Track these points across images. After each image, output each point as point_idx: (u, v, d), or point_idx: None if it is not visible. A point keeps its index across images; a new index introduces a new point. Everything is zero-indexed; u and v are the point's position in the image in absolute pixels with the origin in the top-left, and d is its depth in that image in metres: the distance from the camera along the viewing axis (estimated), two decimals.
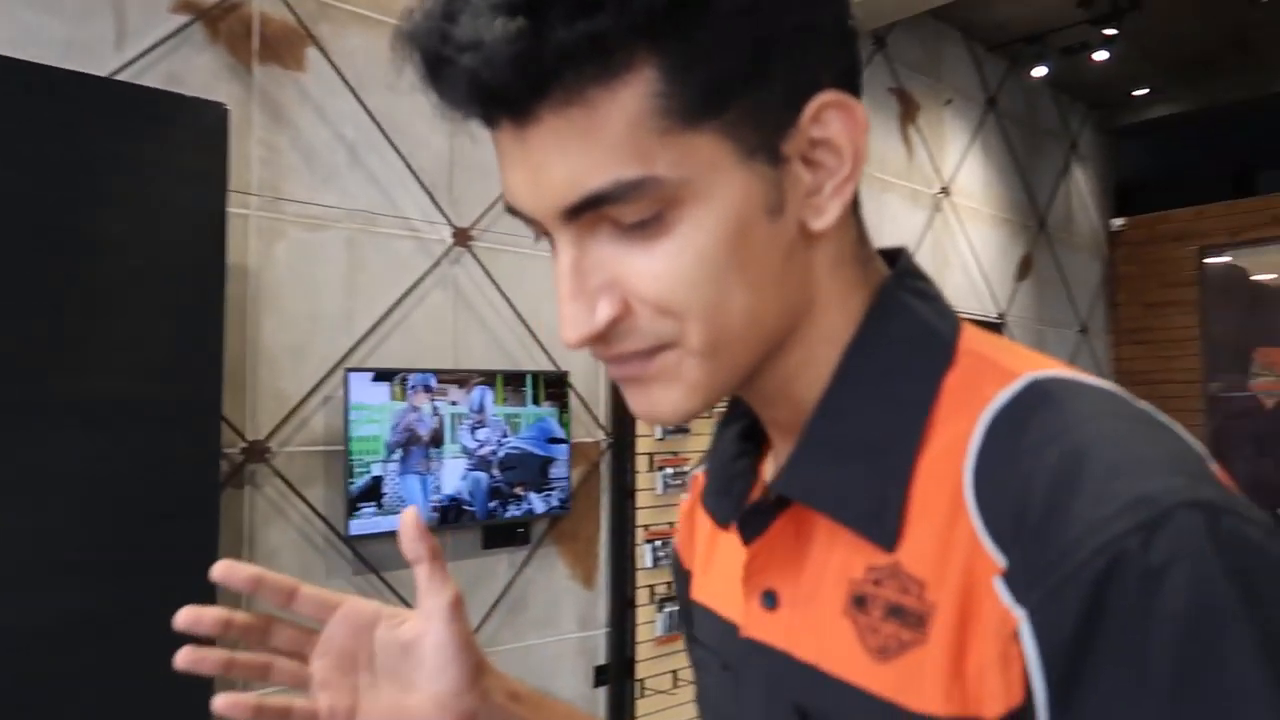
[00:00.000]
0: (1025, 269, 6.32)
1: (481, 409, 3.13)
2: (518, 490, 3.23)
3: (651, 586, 3.65)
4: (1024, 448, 0.44)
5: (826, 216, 0.49)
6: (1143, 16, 5.49)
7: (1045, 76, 6.02)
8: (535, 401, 3.29)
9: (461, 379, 3.07)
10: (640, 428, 3.66)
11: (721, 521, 0.58)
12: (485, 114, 0.46)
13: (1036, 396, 0.46)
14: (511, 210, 0.49)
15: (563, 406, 3.33)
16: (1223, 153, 8.21)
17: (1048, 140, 6.77)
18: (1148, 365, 7.14)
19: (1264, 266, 7.60)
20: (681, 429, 3.78)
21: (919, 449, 0.48)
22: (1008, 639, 0.41)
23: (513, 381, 3.22)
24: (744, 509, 0.55)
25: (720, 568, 0.63)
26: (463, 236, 3.22)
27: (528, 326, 3.38)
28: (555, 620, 3.44)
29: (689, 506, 0.71)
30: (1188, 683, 0.36)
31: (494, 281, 3.30)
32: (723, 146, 0.45)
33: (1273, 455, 6.95)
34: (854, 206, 0.52)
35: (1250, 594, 0.37)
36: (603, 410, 3.62)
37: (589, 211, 0.45)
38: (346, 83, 2.94)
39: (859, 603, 0.49)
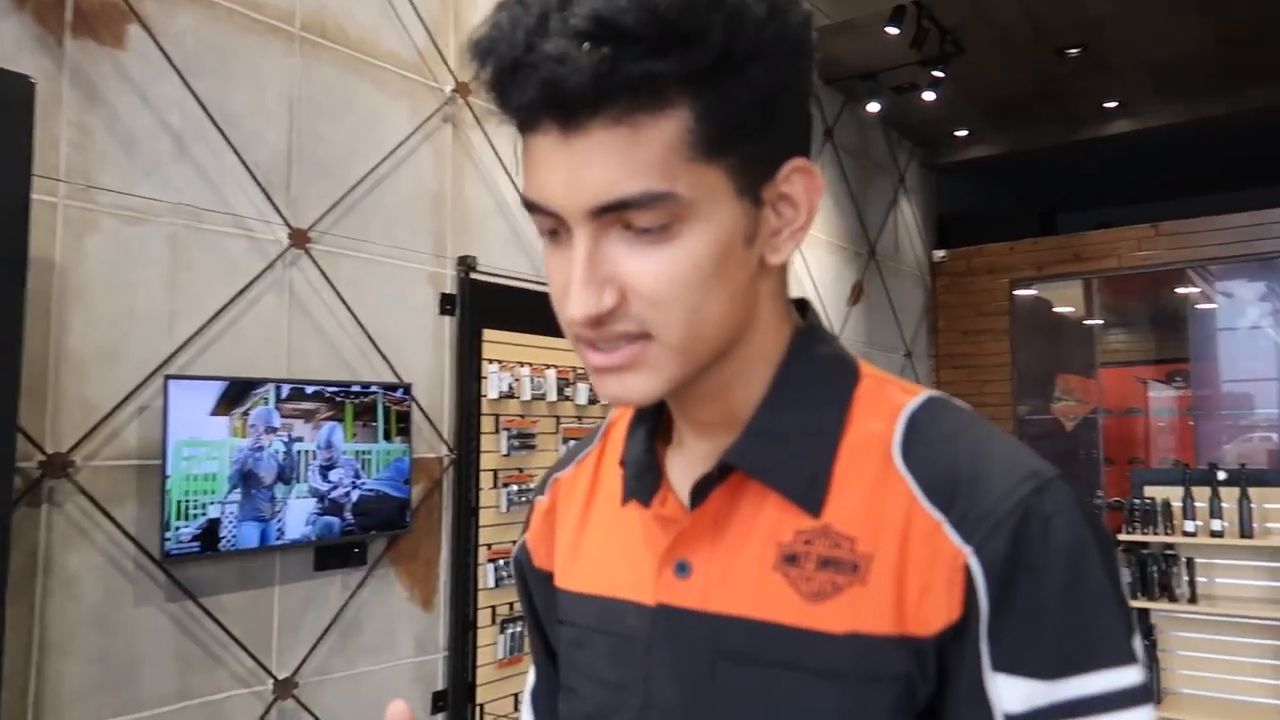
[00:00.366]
0: (857, 294, 6.61)
1: (330, 446, 2.94)
2: (372, 533, 3.05)
3: (493, 607, 3.54)
4: (941, 437, 0.60)
5: (781, 254, 0.62)
6: (966, 62, 5.88)
7: (878, 113, 6.33)
8: (387, 437, 3.12)
9: (307, 414, 2.87)
10: (485, 444, 3.55)
11: (644, 501, 0.68)
12: (538, 118, 0.54)
13: (936, 405, 0.63)
14: (529, 205, 0.58)
15: (406, 422, 3.18)
16: (1031, 193, 8.90)
17: (878, 173, 7.12)
18: (965, 389, 7.60)
19: (1064, 300, 8.27)
20: (527, 445, 3.70)
21: (840, 439, 0.62)
22: (957, 569, 0.56)
23: (363, 415, 3.04)
24: (695, 480, 0.64)
25: (593, 554, 0.72)
26: (300, 238, 3.03)
27: (369, 336, 3.22)
28: (391, 645, 3.27)
29: (547, 506, 0.79)
30: (1072, 586, 0.55)
31: (334, 287, 3.12)
32: (725, 182, 0.56)
33: (1071, 473, 7.54)
34: None
35: (1094, 532, 0.57)
36: (447, 425, 3.49)
37: (613, 213, 0.55)
38: (174, 65, 2.71)
39: (790, 560, 0.61)
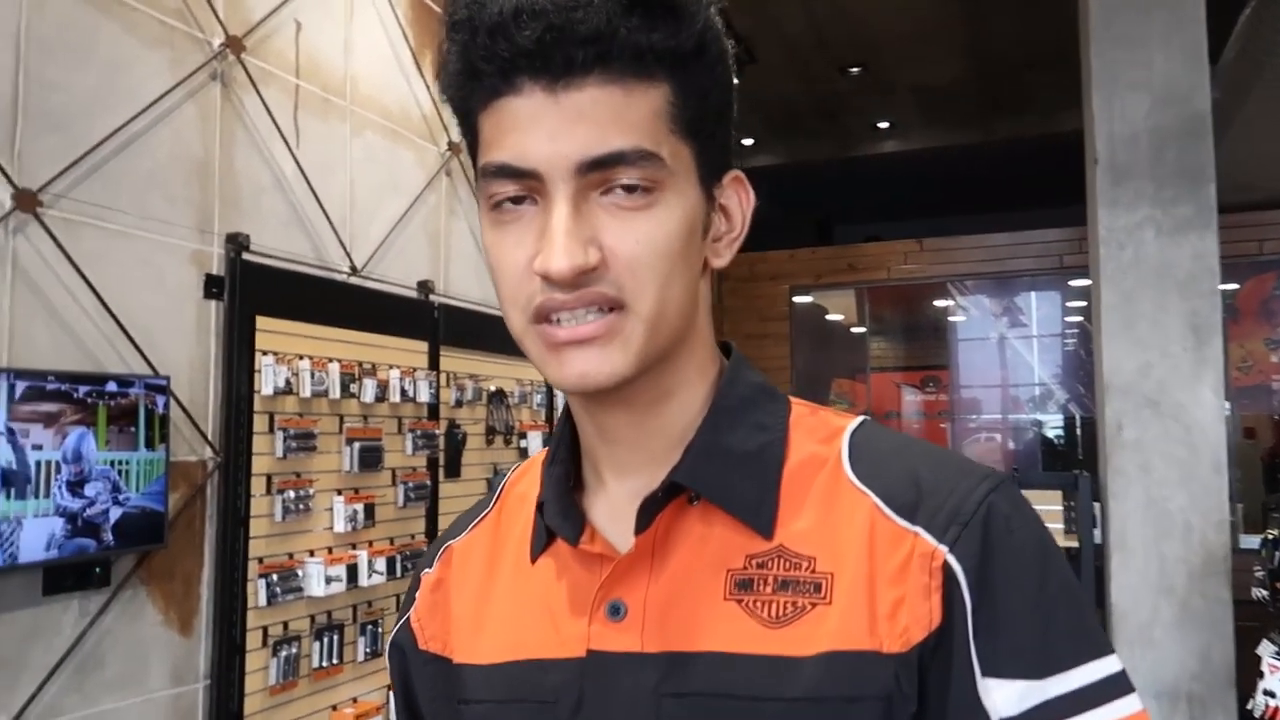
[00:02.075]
0: None
1: (80, 457, 2.46)
2: (114, 549, 2.59)
3: (265, 628, 3.16)
4: (889, 451, 0.62)
5: (720, 260, 0.64)
6: (756, 71, 6.02)
7: None
8: (149, 445, 2.66)
9: (49, 417, 2.38)
10: (258, 445, 3.16)
11: (572, 539, 0.64)
12: (519, 78, 0.55)
13: (871, 425, 0.66)
14: (496, 170, 0.57)
15: (166, 425, 2.76)
16: (809, 204, 9.34)
17: None
18: None
19: (838, 307, 8.72)
20: (306, 447, 3.34)
21: (783, 461, 0.62)
22: (935, 571, 0.56)
23: (120, 418, 2.57)
24: (642, 501, 0.61)
25: (502, 620, 0.67)
26: (28, 201, 2.55)
27: (118, 321, 2.76)
28: (141, 677, 2.82)
29: (436, 579, 0.74)
30: (1044, 584, 0.56)
31: (72, 261, 2.65)
32: (693, 163, 0.59)
33: None
34: None
35: (1044, 529, 0.59)
36: (211, 424, 3.07)
37: (599, 171, 0.55)
38: None
39: (744, 585, 0.58)
